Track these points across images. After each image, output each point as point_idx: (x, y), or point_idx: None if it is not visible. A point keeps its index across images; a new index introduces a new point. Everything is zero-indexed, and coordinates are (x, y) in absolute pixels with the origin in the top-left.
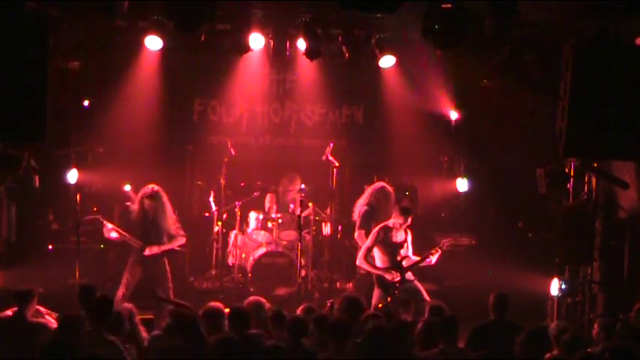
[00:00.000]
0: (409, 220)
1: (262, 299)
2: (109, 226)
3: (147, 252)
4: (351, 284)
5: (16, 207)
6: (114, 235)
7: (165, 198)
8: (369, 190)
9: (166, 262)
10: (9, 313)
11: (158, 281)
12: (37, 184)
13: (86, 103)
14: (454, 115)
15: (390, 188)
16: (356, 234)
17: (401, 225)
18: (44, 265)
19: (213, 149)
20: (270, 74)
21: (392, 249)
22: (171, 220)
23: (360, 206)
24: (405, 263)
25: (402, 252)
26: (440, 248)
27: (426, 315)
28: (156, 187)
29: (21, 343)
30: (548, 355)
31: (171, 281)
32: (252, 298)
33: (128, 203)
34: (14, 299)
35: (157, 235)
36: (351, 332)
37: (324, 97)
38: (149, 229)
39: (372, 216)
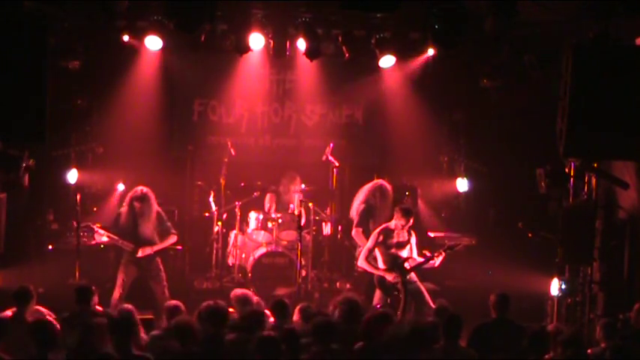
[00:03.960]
0: (410, 220)
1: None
2: (100, 231)
3: (140, 254)
4: (349, 284)
5: (14, 207)
6: (105, 239)
7: (153, 199)
8: (366, 188)
9: (159, 260)
10: (8, 313)
11: (153, 280)
12: (27, 182)
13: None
14: (454, 115)
15: (388, 186)
16: (353, 232)
17: (403, 226)
18: (44, 265)
19: (213, 149)
20: (270, 74)
21: (393, 250)
22: (159, 220)
23: (357, 204)
24: (407, 264)
25: (406, 253)
26: (444, 251)
27: (433, 316)
28: (145, 189)
29: (21, 343)
30: (547, 357)
31: (166, 279)
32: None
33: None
34: (13, 299)
35: (148, 236)
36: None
37: (324, 97)
38: (140, 230)
39: (369, 214)
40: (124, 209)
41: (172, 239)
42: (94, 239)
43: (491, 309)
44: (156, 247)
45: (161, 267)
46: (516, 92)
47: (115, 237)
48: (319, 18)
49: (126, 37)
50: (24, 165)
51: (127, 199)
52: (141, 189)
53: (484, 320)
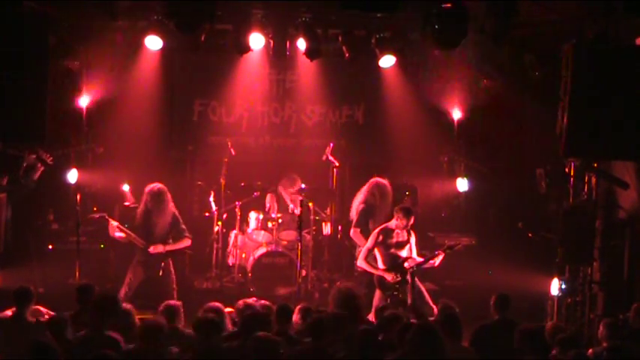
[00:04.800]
0: (411, 220)
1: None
2: (114, 224)
3: (151, 249)
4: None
5: (14, 208)
6: (119, 234)
7: (168, 196)
8: (365, 187)
9: (171, 262)
10: (8, 313)
11: (161, 282)
12: (36, 176)
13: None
14: (454, 115)
15: (385, 183)
16: (352, 232)
17: (404, 226)
18: (44, 265)
19: (213, 149)
20: (270, 74)
21: (393, 250)
22: (174, 221)
23: (357, 204)
24: (407, 264)
25: (405, 253)
26: (444, 251)
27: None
28: (159, 186)
29: (20, 343)
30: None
31: (175, 282)
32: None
33: (127, 203)
34: (13, 299)
35: (161, 235)
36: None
37: (324, 97)
38: (153, 228)
39: (368, 214)
40: (140, 207)
41: (186, 242)
42: (109, 232)
43: (493, 310)
44: (168, 247)
45: (172, 270)
46: (516, 92)
47: (130, 232)
48: (319, 18)
49: (126, 37)
50: (39, 159)
51: (143, 196)
52: (155, 185)
53: (485, 321)
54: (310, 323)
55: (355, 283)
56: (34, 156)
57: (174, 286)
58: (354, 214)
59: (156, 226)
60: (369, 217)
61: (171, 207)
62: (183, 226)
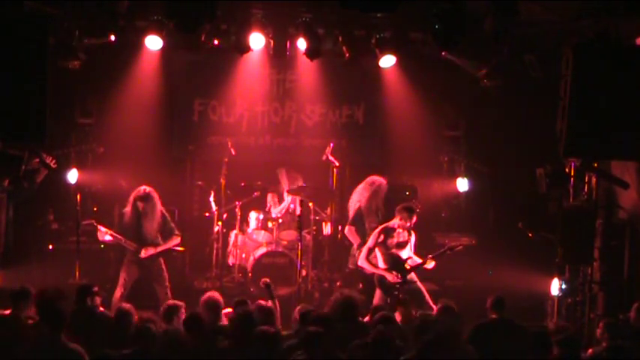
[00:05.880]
0: (414, 219)
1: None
2: (103, 229)
3: (143, 254)
4: (339, 282)
5: (14, 208)
6: (108, 238)
7: (157, 199)
8: (364, 186)
9: (162, 261)
10: (6, 313)
11: (155, 280)
12: (39, 180)
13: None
14: (454, 115)
15: (380, 180)
16: (346, 229)
17: (407, 226)
18: (44, 265)
19: (214, 149)
20: (270, 74)
21: (394, 250)
22: (163, 220)
23: (353, 202)
24: (408, 264)
25: (406, 253)
26: (445, 252)
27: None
28: (148, 189)
29: (17, 342)
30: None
31: (168, 280)
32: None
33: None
34: (10, 299)
35: (152, 236)
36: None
37: (324, 97)
38: (143, 230)
39: (365, 213)
40: (127, 209)
41: (176, 240)
42: (98, 238)
43: (489, 311)
44: (159, 248)
45: (164, 267)
46: (516, 92)
47: (119, 236)
48: (319, 18)
49: (126, 37)
50: (43, 163)
51: (131, 198)
52: (144, 188)
53: (483, 320)
54: (306, 335)
55: (344, 286)
56: (37, 160)
57: (168, 284)
58: (350, 212)
59: (146, 229)
60: (365, 216)
61: (160, 208)
62: (172, 224)
